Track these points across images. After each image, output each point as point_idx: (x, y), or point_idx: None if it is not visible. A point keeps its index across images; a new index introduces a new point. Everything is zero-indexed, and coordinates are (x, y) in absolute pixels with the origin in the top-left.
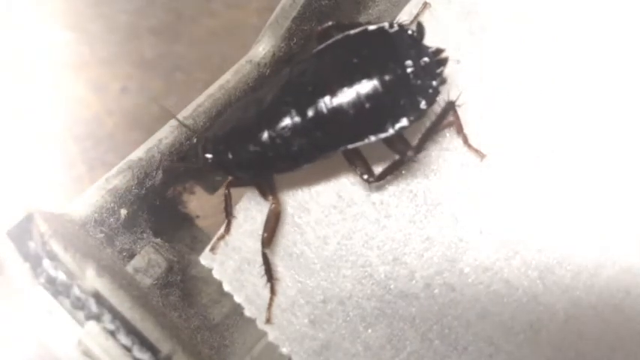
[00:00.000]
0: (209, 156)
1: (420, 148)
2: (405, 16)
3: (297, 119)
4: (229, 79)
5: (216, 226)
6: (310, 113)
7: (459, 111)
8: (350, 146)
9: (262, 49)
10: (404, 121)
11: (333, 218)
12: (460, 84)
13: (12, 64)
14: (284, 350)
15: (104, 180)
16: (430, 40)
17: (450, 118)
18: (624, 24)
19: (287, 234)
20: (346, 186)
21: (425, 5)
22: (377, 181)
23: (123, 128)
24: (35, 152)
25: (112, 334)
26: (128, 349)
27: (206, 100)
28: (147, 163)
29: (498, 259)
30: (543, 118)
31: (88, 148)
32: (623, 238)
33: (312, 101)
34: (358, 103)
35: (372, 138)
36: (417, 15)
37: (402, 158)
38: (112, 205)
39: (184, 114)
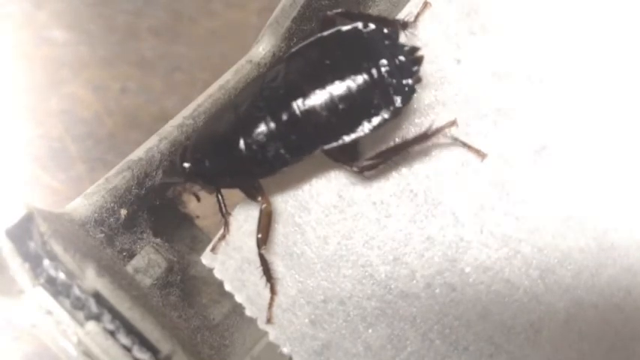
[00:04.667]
0: (187, 165)
1: (370, 166)
2: (405, 17)
3: (271, 124)
4: (229, 79)
5: (216, 226)
6: (284, 117)
7: (458, 111)
8: (325, 147)
9: (262, 49)
10: (377, 120)
11: (334, 218)
12: (460, 84)
13: (11, 63)
14: (285, 350)
15: (104, 180)
16: (430, 40)
17: (450, 121)
18: (627, 22)
19: (287, 234)
20: (347, 186)
21: (425, 5)
22: (368, 170)
23: (123, 128)
24: (35, 152)
25: (112, 334)
26: (128, 349)
27: (206, 100)
28: (147, 163)
29: (499, 259)
30: (544, 118)
31: (88, 148)
32: (623, 237)
33: (285, 105)
34: (331, 105)
35: (346, 138)
36: (418, 15)
37: (350, 168)
38: (112, 205)
39: (184, 114)
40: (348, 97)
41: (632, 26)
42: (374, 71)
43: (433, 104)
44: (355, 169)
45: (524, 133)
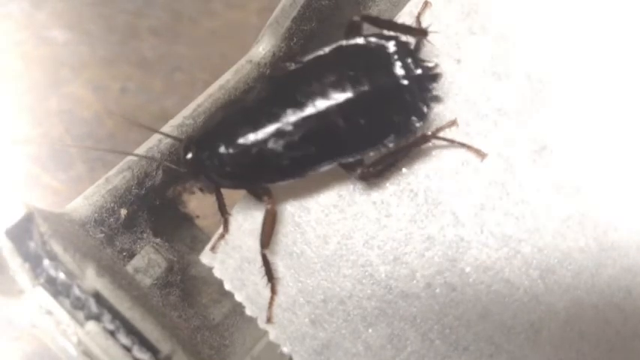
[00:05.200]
0: (190, 156)
1: (374, 173)
2: (405, 16)
3: (288, 131)
4: (229, 79)
5: (216, 226)
6: (301, 125)
7: (458, 111)
8: (343, 161)
9: (262, 49)
10: (393, 138)
11: (334, 217)
12: (460, 84)
13: (11, 63)
14: (285, 349)
15: (104, 180)
16: (430, 40)
17: (449, 123)
18: (627, 22)
19: (287, 233)
20: (347, 185)
21: (426, 5)
22: (372, 177)
23: (123, 128)
24: (35, 152)
25: (112, 334)
26: (128, 349)
27: (206, 100)
28: (147, 163)
29: (499, 259)
30: (544, 118)
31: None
32: (623, 237)
33: (303, 113)
34: (350, 118)
35: (371, 152)
36: (418, 15)
37: (352, 175)
38: (112, 205)
39: (184, 114)
40: (367, 111)
41: (631, 26)
42: (393, 86)
43: (433, 104)
44: (359, 176)
45: (524, 133)
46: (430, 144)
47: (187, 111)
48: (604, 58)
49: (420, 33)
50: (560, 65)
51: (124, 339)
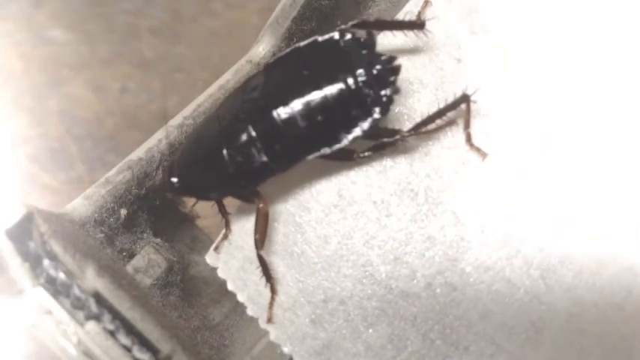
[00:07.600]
0: (175, 180)
1: (416, 129)
2: (406, 16)
3: (253, 135)
4: (229, 79)
5: (216, 226)
6: (265, 128)
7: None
8: (309, 158)
9: (262, 49)
10: (357, 131)
11: (334, 217)
12: (460, 83)
13: (11, 63)
14: (285, 350)
15: (104, 180)
16: (430, 39)
17: (453, 114)
18: (627, 22)
19: (288, 233)
20: (347, 185)
21: (426, 4)
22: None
23: (123, 128)
24: (35, 152)
25: (112, 334)
26: (128, 349)
27: (206, 100)
28: (147, 163)
29: (500, 259)
30: (546, 117)
31: (88, 148)
32: (624, 237)
33: (266, 116)
34: (310, 115)
35: (327, 150)
36: (419, 14)
37: (395, 142)
38: (112, 205)
39: (184, 114)
40: (325, 107)
41: (632, 27)
42: (351, 82)
43: (433, 104)
44: (402, 138)
45: (524, 133)
46: (430, 142)
47: (187, 111)
48: (604, 57)
49: (417, 26)
50: (560, 65)
51: (124, 339)
